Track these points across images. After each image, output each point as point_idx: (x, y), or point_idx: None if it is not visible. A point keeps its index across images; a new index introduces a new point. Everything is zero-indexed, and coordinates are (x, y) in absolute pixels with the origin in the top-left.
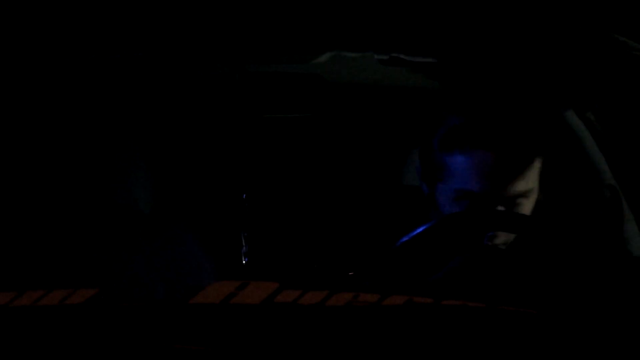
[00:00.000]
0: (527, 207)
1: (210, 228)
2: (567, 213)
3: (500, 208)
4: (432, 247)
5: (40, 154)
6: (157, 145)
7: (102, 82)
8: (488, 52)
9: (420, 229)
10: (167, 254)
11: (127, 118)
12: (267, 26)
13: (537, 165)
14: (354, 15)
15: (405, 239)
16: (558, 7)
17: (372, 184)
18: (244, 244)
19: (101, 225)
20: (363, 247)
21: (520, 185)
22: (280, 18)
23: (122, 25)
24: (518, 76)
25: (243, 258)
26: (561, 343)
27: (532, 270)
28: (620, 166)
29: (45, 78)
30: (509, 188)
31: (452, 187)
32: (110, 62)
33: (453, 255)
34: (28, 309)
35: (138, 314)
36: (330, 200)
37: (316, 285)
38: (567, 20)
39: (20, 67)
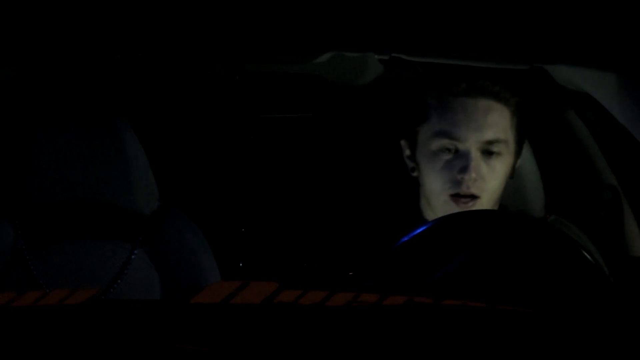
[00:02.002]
0: (500, 163)
1: (210, 228)
2: (568, 213)
3: (474, 155)
4: (432, 247)
5: (43, 153)
6: (158, 145)
7: (104, 82)
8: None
9: (420, 229)
10: (167, 253)
11: (129, 119)
12: (267, 26)
13: (508, 118)
14: (354, 15)
15: (405, 238)
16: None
17: (372, 184)
18: (242, 245)
19: (101, 225)
20: (363, 247)
21: (490, 133)
22: (280, 18)
23: (122, 25)
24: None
25: (240, 261)
26: (561, 343)
27: (532, 271)
28: (620, 166)
29: (47, 78)
30: (479, 134)
31: (432, 129)
32: (110, 62)
33: (453, 256)
34: (28, 309)
35: (138, 314)
36: (330, 201)
37: (316, 285)
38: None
39: (21, 66)
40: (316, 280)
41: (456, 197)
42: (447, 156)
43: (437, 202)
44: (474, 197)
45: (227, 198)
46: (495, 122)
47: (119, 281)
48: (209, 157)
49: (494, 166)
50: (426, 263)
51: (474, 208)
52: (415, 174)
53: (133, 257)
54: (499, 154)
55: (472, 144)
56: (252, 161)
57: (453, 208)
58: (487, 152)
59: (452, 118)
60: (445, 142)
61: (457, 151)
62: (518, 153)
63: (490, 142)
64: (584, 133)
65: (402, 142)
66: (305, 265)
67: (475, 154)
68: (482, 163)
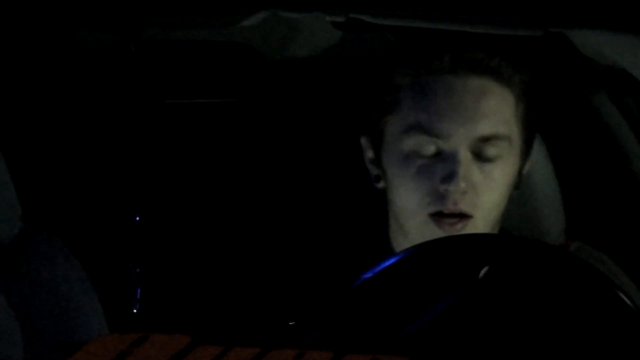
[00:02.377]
0: (499, 169)
1: (92, 259)
2: (596, 239)
3: (463, 157)
4: (404, 287)
5: None
6: (15, 143)
7: None
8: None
9: (388, 262)
10: (32, 294)
11: None
12: None
13: (511, 105)
14: None
15: (367, 275)
16: None
17: (320, 199)
18: (135, 284)
19: None
20: (308, 286)
21: (485, 126)
22: None
23: None
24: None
25: (134, 304)
26: None
27: (547, 319)
28: None
29: None
30: (470, 127)
31: (404, 121)
32: None
33: (434, 299)
34: None
35: None
36: (260, 218)
37: (242, 339)
38: None
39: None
40: (243, 331)
41: (439, 216)
42: (424, 159)
43: (412, 224)
44: (463, 216)
45: (115, 217)
46: (492, 111)
47: None
48: (89, 158)
49: (492, 173)
50: (396, 309)
51: (464, 232)
52: (381, 184)
53: None
54: (498, 156)
55: (459, 141)
56: (151, 163)
57: (434, 232)
58: (481, 154)
59: (432, 105)
60: (421, 138)
61: (439, 152)
62: (526, 154)
63: (485, 139)
64: (619, 125)
65: (363, 141)
66: (226, 311)
67: (464, 156)
68: (474, 168)
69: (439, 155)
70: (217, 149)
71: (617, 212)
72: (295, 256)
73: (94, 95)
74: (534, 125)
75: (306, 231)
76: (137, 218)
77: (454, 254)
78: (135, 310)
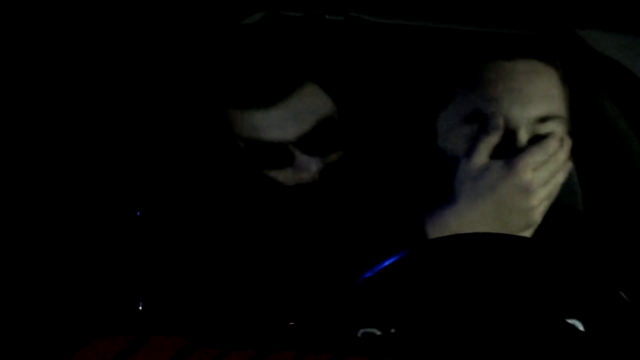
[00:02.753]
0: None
1: (92, 258)
2: (601, 223)
3: (523, 136)
4: (406, 286)
5: None
6: (15, 143)
7: None
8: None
9: (391, 260)
10: (31, 293)
11: None
12: None
13: (558, 85)
14: None
15: (368, 274)
16: None
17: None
18: (135, 284)
19: None
20: (309, 284)
21: (541, 106)
22: None
23: None
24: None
25: (134, 305)
26: None
27: (543, 316)
28: None
29: None
30: (527, 108)
31: (458, 112)
32: None
33: (435, 297)
34: None
35: None
36: (259, 218)
37: (242, 340)
38: None
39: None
40: (242, 332)
41: None
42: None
43: None
44: None
45: (115, 211)
46: (544, 91)
47: None
48: (84, 154)
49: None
50: (398, 309)
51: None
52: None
53: None
54: (553, 134)
55: (519, 122)
56: (152, 160)
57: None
58: (539, 135)
59: (487, 90)
60: (476, 121)
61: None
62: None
63: (541, 120)
64: (618, 121)
65: (409, 139)
66: (228, 312)
67: (524, 137)
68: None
69: None
70: (217, 148)
71: (620, 195)
72: (296, 255)
73: (93, 95)
74: (576, 110)
75: (307, 231)
76: (138, 213)
77: (452, 253)
78: (135, 311)
